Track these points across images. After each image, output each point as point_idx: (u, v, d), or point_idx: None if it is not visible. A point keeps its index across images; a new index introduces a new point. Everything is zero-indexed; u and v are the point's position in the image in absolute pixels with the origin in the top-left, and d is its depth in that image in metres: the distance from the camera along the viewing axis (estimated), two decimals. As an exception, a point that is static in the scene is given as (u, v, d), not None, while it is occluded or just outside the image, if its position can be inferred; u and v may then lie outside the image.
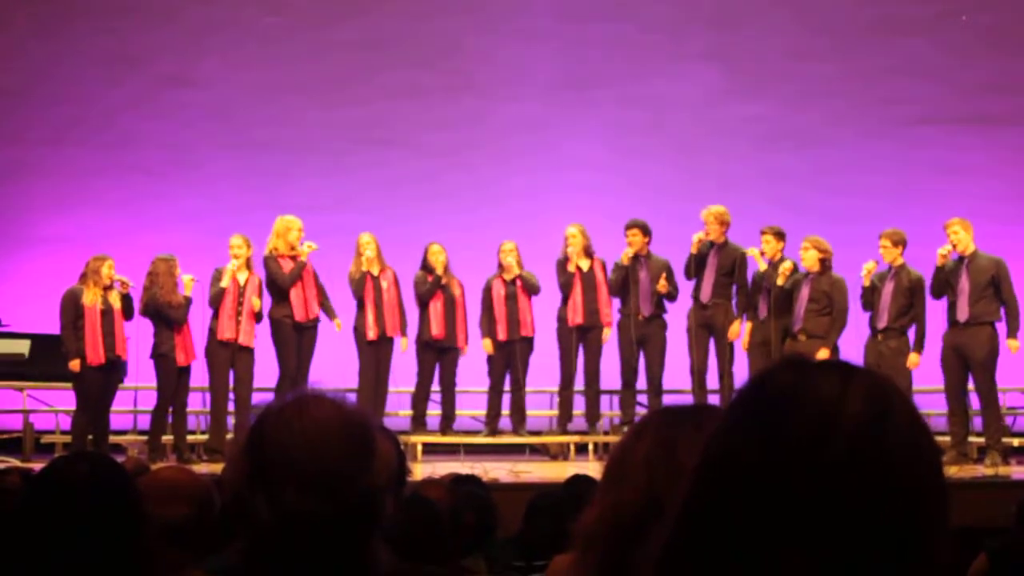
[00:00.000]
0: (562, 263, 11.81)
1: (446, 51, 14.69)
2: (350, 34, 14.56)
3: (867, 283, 10.97)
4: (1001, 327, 10.72)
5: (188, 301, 11.14)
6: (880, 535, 1.18)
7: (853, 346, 11.03)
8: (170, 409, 11.21)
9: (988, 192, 14.04)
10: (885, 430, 1.21)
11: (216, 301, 11.13)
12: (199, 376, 11.39)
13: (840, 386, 1.23)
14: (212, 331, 11.18)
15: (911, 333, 10.90)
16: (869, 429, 1.21)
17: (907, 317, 10.84)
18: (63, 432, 12.01)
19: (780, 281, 11.06)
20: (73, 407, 11.17)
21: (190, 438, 11.60)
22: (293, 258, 11.36)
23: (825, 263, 11.04)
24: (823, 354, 10.64)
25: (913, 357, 10.80)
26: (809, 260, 11.03)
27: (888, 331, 10.84)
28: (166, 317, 11.03)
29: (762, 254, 11.32)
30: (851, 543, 1.17)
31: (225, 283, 11.16)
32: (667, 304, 11.81)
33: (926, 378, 11.08)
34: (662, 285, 11.58)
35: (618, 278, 11.69)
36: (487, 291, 11.81)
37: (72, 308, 10.83)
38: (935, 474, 1.24)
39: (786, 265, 11.07)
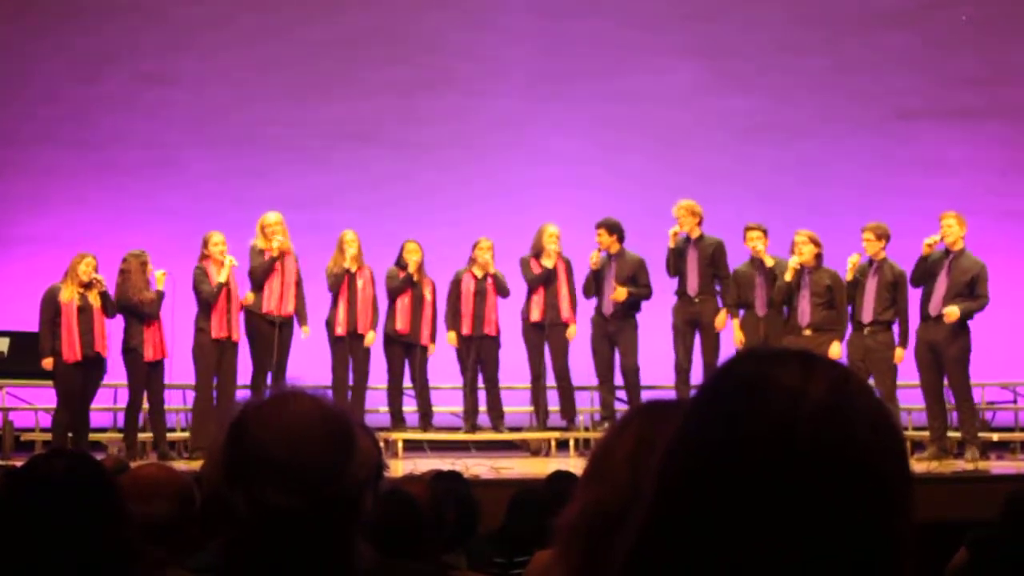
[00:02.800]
0: (527, 260, 11.82)
1: (426, 48, 14.67)
2: (330, 32, 14.54)
3: (851, 277, 10.97)
4: (972, 324, 10.70)
5: (160, 296, 11.11)
6: (848, 523, 1.18)
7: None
8: (144, 405, 11.18)
9: (971, 186, 14.07)
10: (848, 417, 1.20)
11: (215, 298, 11.09)
12: (178, 372, 11.36)
13: (801, 375, 1.22)
14: (202, 329, 11.13)
15: (895, 327, 10.91)
16: (832, 416, 1.20)
17: (891, 311, 10.85)
18: (43, 430, 11.98)
19: (789, 277, 11.02)
20: (52, 405, 11.13)
21: (172, 435, 11.58)
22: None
23: (820, 257, 11.05)
24: (836, 348, 10.71)
25: (899, 352, 10.81)
26: (808, 254, 11.01)
27: (874, 325, 10.84)
28: (137, 312, 11.00)
29: (759, 251, 11.27)
30: (820, 532, 1.17)
31: (224, 277, 11.13)
32: (641, 302, 11.80)
33: (904, 373, 11.09)
34: (618, 295, 11.55)
35: (591, 281, 11.73)
36: (455, 284, 11.82)
37: (51, 305, 10.82)
38: (899, 459, 1.23)
39: (795, 261, 11.02)
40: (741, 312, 11.39)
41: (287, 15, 14.62)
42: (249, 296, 11.28)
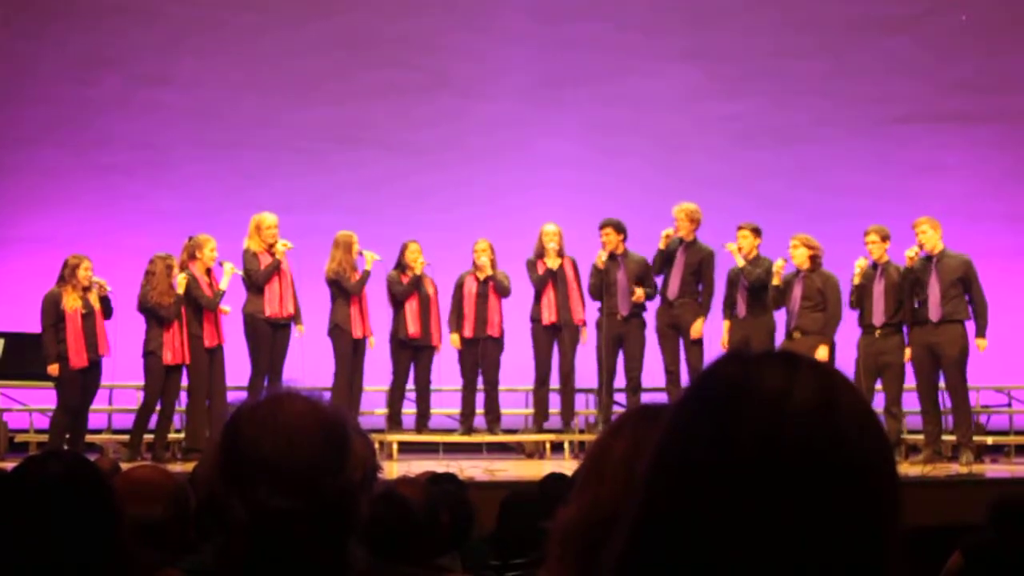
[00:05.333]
0: (532, 262, 11.82)
1: (423, 50, 14.67)
2: (327, 33, 14.53)
3: (857, 281, 10.97)
4: (970, 325, 10.74)
5: (180, 299, 11.07)
6: (834, 525, 1.17)
7: (843, 343, 11.03)
8: (157, 408, 11.17)
9: (968, 190, 14.09)
10: (834, 419, 1.20)
11: (215, 306, 11.10)
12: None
13: (786, 377, 1.22)
14: (196, 336, 11.09)
15: (904, 329, 10.93)
16: (818, 418, 1.20)
17: (901, 312, 10.87)
18: (37, 431, 11.96)
19: (776, 281, 11.04)
20: (47, 406, 11.11)
21: (167, 437, 11.55)
22: (271, 255, 11.32)
23: (815, 260, 11.04)
24: (823, 351, 10.70)
25: (907, 352, 10.83)
26: (799, 258, 11.02)
27: (885, 328, 10.85)
28: (156, 316, 10.99)
29: (739, 250, 11.32)
30: (806, 535, 1.16)
31: (225, 285, 11.15)
32: (646, 303, 11.82)
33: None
34: (637, 296, 11.59)
35: (596, 281, 11.69)
36: (459, 287, 11.82)
37: (53, 311, 10.77)
38: (886, 461, 1.23)
39: (779, 264, 11.05)
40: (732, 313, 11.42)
41: (282, 16, 14.61)
42: (226, 308, 11.27)
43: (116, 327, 11.19)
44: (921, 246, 10.78)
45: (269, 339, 11.26)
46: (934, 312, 10.69)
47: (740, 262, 11.26)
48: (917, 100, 14.65)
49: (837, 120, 14.65)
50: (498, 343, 11.83)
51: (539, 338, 11.82)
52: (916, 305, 10.83)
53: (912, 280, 10.78)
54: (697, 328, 11.45)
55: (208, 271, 11.25)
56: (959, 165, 14.51)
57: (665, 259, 11.55)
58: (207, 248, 11.21)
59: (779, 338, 11.20)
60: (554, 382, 11.96)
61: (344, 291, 11.47)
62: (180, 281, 11.05)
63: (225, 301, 11.30)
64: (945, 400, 10.93)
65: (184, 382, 11.30)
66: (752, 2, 14.86)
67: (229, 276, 11.20)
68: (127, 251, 11.52)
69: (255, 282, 11.26)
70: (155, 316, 10.99)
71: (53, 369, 10.76)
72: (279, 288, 11.30)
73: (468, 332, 11.74)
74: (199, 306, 11.08)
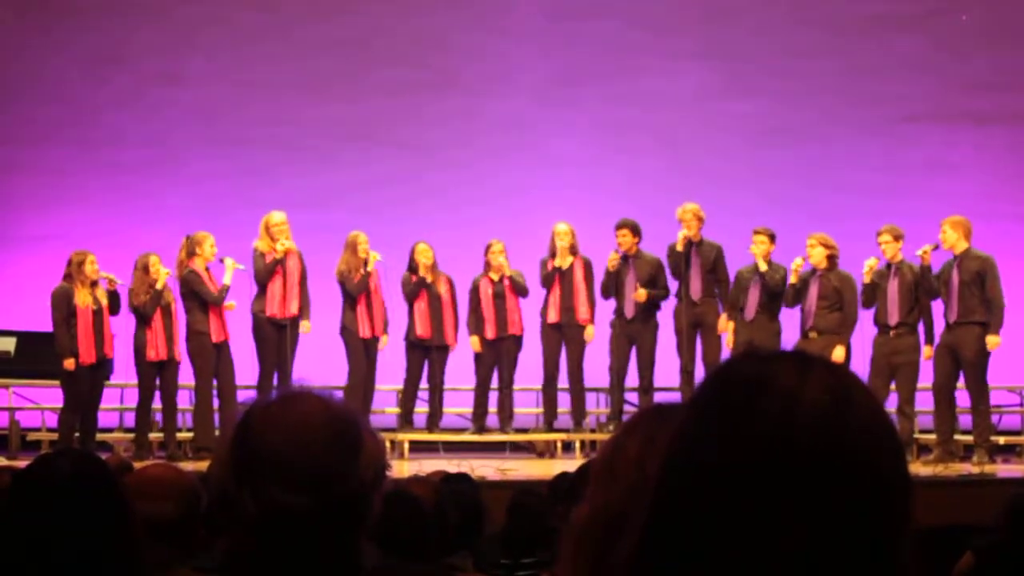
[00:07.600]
0: (544, 262, 11.83)
1: (434, 49, 14.67)
2: (337, 32, 14.54)
3: (868, 280, 10.95)
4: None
5: (157, 294, 11.08)
6: (845, 528, 1.17)
7: (856, 343, 11.01)
8: (154, 405, 11.20)
9: (980, 189, 14.05)
10: (846, 419, 1.20)
11: (220, 301, 11.13)
12: (184, 373, 11.36)
13: (798, 376, 1.21)
14: (200, 332, 11.12)
15: (920, 328, 10.91)
16: (828, 418, 1.19)
17: (916, 312, 10.85)
18: (49, 430, 11.99)
19: (793, 279, 11.03)
20: (60, 404, 11.13)
21: (178, 436, 11.57)
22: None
23: (832, 260, 11.03)
24: (839, 351, 10.67)
25: (927, 350, 10.82)
26: (816, 257, 11.01)
27: (900, 327, 10.83)
28: (138, 314, 11.05)
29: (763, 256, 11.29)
30: (817, 534, 1.16)
31: (228, 279, 11.17)
32: (660, 303, 11.82)
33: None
34: (639, 295, 11.57)
35: (608, 282, 11.70)
36: (474, 290, 11.82)
37: (65, 306, 10.80)
38: (898, 462, 1.22)
39: (798, 262, 11.04)
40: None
41: (292, 14, 14.62)
42: (230, 304, 11.29)
43: (123, 326, 11.22)
44: (937, 245, 10.77)
45: (273, 338, 11.27)
46: (952, 313, 10.68)
47: (763, 266, 11.22)
48: (929, 99, 14.62)
49: (848, 119, 14.62)
50: (518, 341, 11.85)
51: (546, 336, 11.84)
52: (939, 303, 10.81)
53: (929, 279, 10.75)
54: (723, 323, 11.45)
55: (207, 268, 11.26)
56: (971, 164, 14.48)
57: (682, 261, 11.53)
58: (206, 244, 11.22)
59: (785, 341, 11.19)
60: (564, 381, 11.95)
61: (349, 291, 11.49)
62: (161, 275, 11.05)
63: (232, 299, 11.31)
64: (962, 400, 10.90)
65: (182, 379, 11.33)
66: (763, 1, 14.84)
67: (231, 271, 11.21)
68: (137, 249, 11.50)
69: (257, 280, 11.30)
70: (137, 314, 11.05)
71: (69, 364, 10.78)
72: (281, 288, 11.29)
73: (490, 334, 11.74)
74: (203, 302, 11.10)
